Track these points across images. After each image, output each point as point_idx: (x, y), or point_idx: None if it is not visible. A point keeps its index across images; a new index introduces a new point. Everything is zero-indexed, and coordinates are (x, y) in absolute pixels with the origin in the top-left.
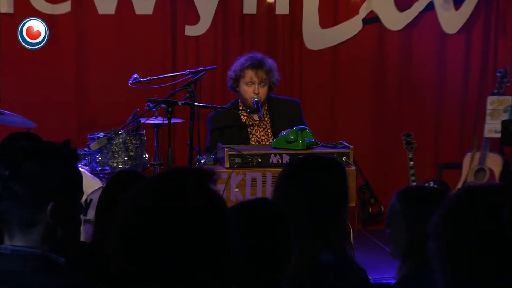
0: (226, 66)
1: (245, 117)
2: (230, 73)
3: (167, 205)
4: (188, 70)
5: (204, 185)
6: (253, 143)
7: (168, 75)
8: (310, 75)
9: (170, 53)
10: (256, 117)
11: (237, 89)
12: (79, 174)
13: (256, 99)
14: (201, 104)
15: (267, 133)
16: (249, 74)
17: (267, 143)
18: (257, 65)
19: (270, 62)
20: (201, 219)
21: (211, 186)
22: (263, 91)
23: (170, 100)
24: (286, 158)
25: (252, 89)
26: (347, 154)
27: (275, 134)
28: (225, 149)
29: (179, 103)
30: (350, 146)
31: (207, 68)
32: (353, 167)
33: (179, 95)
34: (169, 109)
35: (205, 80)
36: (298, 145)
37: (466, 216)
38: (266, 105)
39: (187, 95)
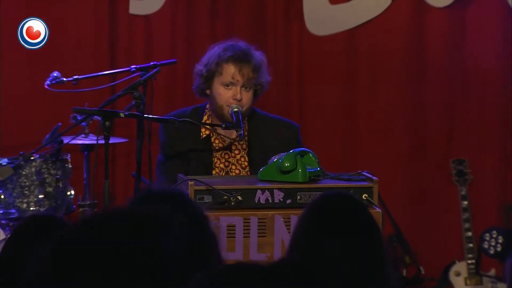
0: (190, 59)
1: (206, 133)
2: (200, 67)
3: (108, 274)
4: (134, 66)
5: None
6: (216, 172)
7: (105, 73)
8: (314, 73)
9: (107, 41)
10: (234, 134)
11: (207, 91)
12: None
13: (235, 109)
14: (153, 116)
15: (240, 161)
16: (230, 70)
17: (241, 173)
18: (242, 58)
19: (258, 55)
20: None
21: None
22: (247, 97)
23: (108, 110)
24: (279, 196)
25: (232, 93)
26: (368, 190)
27: (253, 163)
28: (189, 183)
29: (121, 115)
30: (374, 177)
31: (162, 62)
32: (378, 209)
33: (121, 103)
34: (106, 123)
35: (160, 81)
36: (297, 176)
37: None
38: (245, 123)
39: (133, 102)
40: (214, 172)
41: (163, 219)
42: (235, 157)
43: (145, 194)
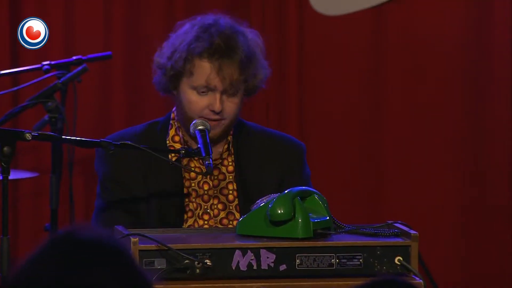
0: (133, 52)
1: (174, 158)
2: (162, 60)
3: None
4: (48, 62)
5: None
6: (191, 222)
7: (3, 72)
8: (320, 69)
9: (6, 25)
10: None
11: (175, 92)
12: None
13: (200, 127)
14: (77, 138)
15: (226, 195)
16: (204, 70)
17: (226, 222)
18: (222, 51)
19: (249, 37)
20: None
21: None
22: (232, 106)
23: (8, 129)
24: (269, 259)
25: (207, 102)
26: (404, 250)
27: (245, 202)
28: (132, 240)
29: (28, 136)
30: (412, 231)
31: (91, 57)
32: (419, 280)
33: (29, 118)
34: (5, 149)
35: (88, 84)
36: (295, 229)
37: None
38: (229, 136)
39: (46, 117)
40: (187, 214)
41: None
42: (218, 187)
43: (57, 245)
